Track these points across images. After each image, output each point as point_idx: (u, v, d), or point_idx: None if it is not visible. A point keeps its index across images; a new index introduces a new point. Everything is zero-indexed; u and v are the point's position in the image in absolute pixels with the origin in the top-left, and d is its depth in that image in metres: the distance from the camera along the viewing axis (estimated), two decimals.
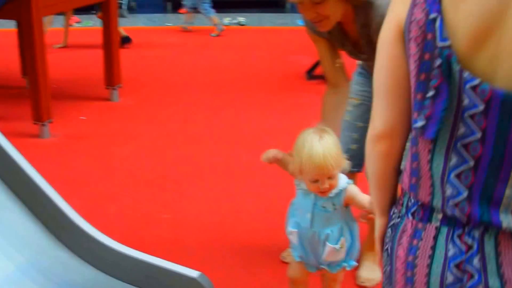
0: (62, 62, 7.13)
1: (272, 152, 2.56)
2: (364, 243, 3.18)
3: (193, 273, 2.57)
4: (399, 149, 1.47)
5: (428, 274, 1.36)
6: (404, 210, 1.43)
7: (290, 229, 2.49)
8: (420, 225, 1.37)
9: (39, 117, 4.93)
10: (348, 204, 2.39)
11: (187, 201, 3.96)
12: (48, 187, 2.85)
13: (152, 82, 6.62)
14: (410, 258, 1.39)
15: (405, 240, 1.40)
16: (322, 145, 2.25)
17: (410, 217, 1.40)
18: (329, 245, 2.40)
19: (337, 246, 2.39)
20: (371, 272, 3.10)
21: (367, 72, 2.85)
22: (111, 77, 5.89)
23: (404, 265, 1.41)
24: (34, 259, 2.64)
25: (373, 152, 1.49)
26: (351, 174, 3.00)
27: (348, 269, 2.54)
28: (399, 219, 1.44)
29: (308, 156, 2.25)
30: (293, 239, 2.49)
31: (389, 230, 1.49)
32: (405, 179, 1.43)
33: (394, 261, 1.45)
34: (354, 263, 2.57)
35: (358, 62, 2.98)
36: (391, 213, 1.50)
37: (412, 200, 1.40)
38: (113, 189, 4.09)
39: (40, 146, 4.82)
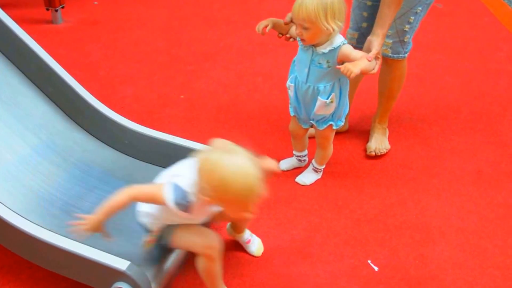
0: None
1: (263, 22, 2.66)
2: (374, 116, 3.27)
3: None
4: None
5: None
6: None
7: (289, 83, 2.71)
8: None
9: (51, 2, 4.84)
10: (343, 61, 2.51)
11: (202, 81, 3.95)
12: (63, 71, 2.84)
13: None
14: None
15: None
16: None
17: None
18: (320, 99, 2.60)
19: (328, 101, 2.60)
20: (380, 143, 3.18)
21: None
22: None
23: None
24: (50, 141, 2.68)
25: None
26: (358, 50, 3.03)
27: (334, 127, 2.73)
28: None
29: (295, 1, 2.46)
30: (290, 93, 2.72)
31: None
32: None
33: None
34: (341, 123, 2.73)
35: None
36: None
37: None
38: (129, 72, 4.07)
39: (53, 31, 4.76)
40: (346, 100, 2.70)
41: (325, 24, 2.42)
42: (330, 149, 2.88)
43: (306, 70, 2.59)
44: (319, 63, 2.55)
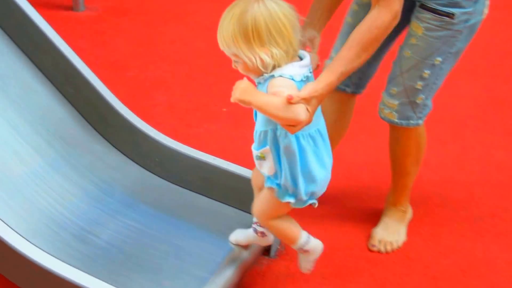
0: None
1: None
2: (387, 196, 2.98)
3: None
4: None
5: None
6: None
7: None
8: None
9: None
10: None
11: None
12: (86, 69, 2.89)
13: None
14: None
15: None
16: (224, 17, 2.05)
17: None
18: (252, 147, 2.24)
19: (256, 152, 2.21)
20: (390, 233, 2.87)
21: None
22: None
23: None
24: (66, 152, 2.73)
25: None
26: (344, 94, 2.80)
27: (278, 196, 2.22)
28: None
29: None
30: None
31: None
32: None
33: None
34: (292, 199, 2.22)
35: None
36: None
37: None
38: (162, 75, 4.11)
39: (74, 20, 4.85)
40: (298, 171, 2.16)
41: (247, 55, 2.01)
42: (271, 226, 2.35)
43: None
44: None
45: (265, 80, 2.05)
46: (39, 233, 2.38)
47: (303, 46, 2.29)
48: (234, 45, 2.02)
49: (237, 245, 2.50)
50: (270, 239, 2.51)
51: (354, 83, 2.75)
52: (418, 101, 2.58)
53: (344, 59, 2.15)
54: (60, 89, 2.90)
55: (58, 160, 2.67)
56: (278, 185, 2.20)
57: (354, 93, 2.82)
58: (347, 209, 3.04)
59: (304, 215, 2.92)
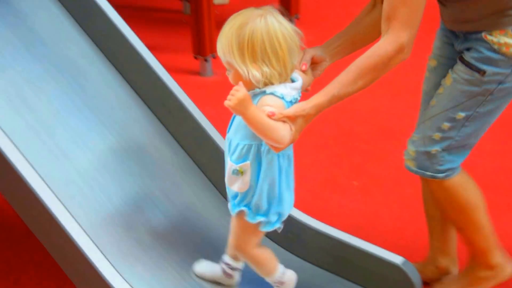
0: None
1: None
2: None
3: (396, 259, 2.49)
4: None
5: None
6: None
7: None
8: None
9: (200, 50, 5.02)
10: None
11: (382, 166, 3.88)
12: (218, 137, 2.92)
13: (335, 14, 6.49)
14: None
15: None
16: (226, 25, 2.12)
17: None
18: (228, 161, 2.26)
19: (236, 166, 2.21)
20: None
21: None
22: (288, 5, 5.74)
23: None
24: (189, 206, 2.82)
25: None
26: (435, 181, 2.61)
27: (249, 219, 2.26)
28: None
29: None
30: None
31: None
32: None
33: None
34: (262, 218, 2.26)
35: None
36: None
37: None
38: None
39: (200, 85, 4.92)
40: (276, 190, 2.23)
41: (241, 67, 2.07)
42: (253, 256, 2.39)
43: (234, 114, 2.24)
44: None
45: (256, 95, 2.12)
46: None
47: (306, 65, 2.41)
48: (229, 54, 2.09)
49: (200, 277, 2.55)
50: (234, 281, 2.52)
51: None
52: (432, 152, 2.47)
53: (340, 82, 2.19)
54: (192, 156, 2.96)
55: (181, 209, 2.80)
56: (247, 205, 2.24)
57: None
58: None
59: None
